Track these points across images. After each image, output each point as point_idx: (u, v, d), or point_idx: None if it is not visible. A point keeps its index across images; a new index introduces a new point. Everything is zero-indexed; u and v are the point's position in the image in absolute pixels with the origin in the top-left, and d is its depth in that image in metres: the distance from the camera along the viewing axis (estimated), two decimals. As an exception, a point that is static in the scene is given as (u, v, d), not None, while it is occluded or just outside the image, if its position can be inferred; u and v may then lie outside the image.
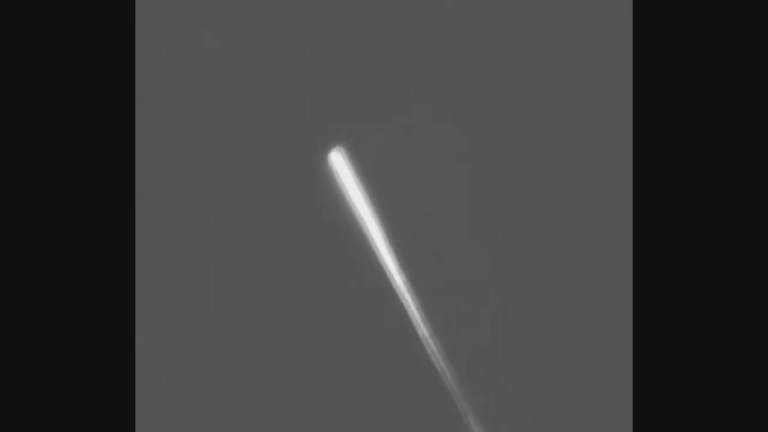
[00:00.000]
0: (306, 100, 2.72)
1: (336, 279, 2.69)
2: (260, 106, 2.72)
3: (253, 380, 2.68)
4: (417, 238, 2.67)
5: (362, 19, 2.72)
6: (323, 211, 2.56)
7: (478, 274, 2.71)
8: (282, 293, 2.70)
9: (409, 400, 2.63)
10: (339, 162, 2.51)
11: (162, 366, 2.65)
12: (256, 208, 2.71)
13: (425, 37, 2.73)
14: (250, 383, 2.68)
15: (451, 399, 2.52)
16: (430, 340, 2.55)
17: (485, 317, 2.70)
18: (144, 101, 2.58)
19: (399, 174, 2.64)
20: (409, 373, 2.62)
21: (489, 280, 2.71)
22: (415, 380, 2.61)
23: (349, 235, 2.55)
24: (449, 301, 2.70)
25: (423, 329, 2.54)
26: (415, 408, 2.64)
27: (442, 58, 2.73)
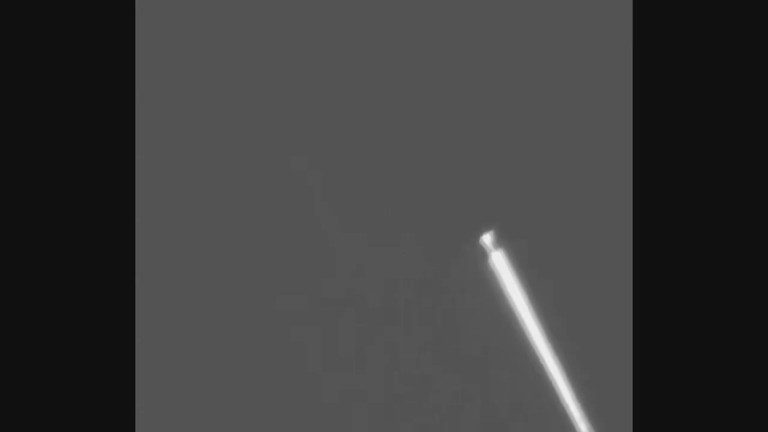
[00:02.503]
0: (306, 99, 2.72)
1: (335, 278, 2.70)
2: (260, 106, 2.72)
3: (253, 380, 2.68)
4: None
5: (362, 19, 2.72)
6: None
7: (478, 274, 2.71)
8: (281, 293, 2.70)
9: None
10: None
11: (162, 366, 2.65)
12: (255, 208, 2.71)
13: (426, 36, 2.73)
14: (249, 383, 2.68)
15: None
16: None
17: (485, 318, 2.70)
18: (144, 101, 2.58)
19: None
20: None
21: (488, 279, 2.71)
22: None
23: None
24: (448, 303, 2.70)
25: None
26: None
27: (441, 57, 2.73)
